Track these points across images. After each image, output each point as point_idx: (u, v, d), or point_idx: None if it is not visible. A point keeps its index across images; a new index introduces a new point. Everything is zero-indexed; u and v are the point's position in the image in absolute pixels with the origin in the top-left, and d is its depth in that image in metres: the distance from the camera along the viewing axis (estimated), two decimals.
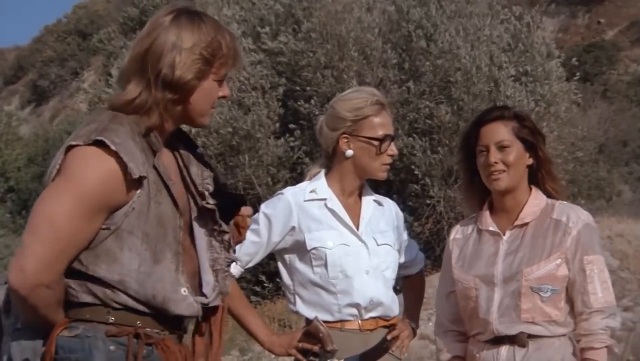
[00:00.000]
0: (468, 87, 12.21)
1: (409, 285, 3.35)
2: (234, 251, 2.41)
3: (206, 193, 2.34)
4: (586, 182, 16.68)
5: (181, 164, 2.35)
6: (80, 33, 44.75)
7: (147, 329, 2.22)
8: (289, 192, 3.11)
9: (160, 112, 2.21)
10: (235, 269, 2.96)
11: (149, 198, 2.19)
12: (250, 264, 3.08)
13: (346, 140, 3.04)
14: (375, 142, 3.02)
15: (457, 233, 3.13)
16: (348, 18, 12.72)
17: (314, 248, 3.01)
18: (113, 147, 2.11)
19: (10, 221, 22.53)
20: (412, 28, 12.77)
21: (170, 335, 2.27)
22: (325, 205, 3.06)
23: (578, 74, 14.56)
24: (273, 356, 8.63)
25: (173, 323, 2.28)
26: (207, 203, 2.32)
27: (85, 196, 2.11)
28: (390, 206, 3.25)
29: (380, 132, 3.02)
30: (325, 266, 3.00)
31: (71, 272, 2.17)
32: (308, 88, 12.63)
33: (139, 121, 2.20)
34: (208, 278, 2.34)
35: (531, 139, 2.95)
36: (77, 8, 47.71)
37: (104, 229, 2.16)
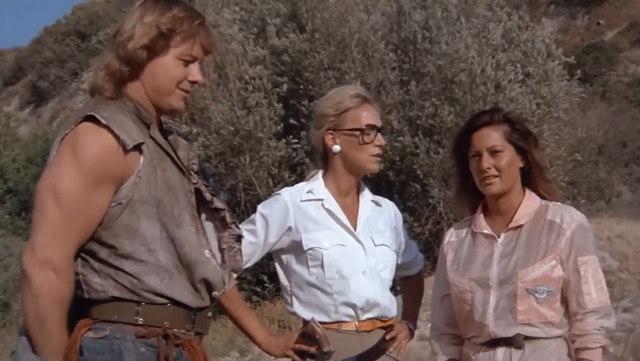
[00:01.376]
0: (471, 88, 12.21)
1: (407, 286, 3.35)
2: (237, 226, 2.42)
3: (192, 173, 2.35)
4: (586, 183, 16.69)
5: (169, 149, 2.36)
6: (79, 34, 44.73)
7: (175, 330, 2.22)
8: (286, 192, 3.11)
9: (116, 84, 2.24)
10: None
11: (154, 166, 2.20)
12: (248, 265, 3.08)
13: (331, 136, 3.07)
14: (357, 133, 3.03)
15: (451, 236, 3.14)
16: (351, 19, 12.72)
17: (311, 249, 3.01)
18: (103, 121, 2.14)
19: (10, 222, 22.51)
20: (417, 28, 12.76)
21: (195, 335, 2.28)
22: (322, 205, 3.06)
23: (578, 71, 14.53)
24: (272, 357, 8.62)
25: (197, 318, 2.28)
26: (194, 183, 2.33)
27: (86, 167, 2.12)
28: (388, 207, 3.25)
29: (363, 123, 3.03)
30: (322, 266, 3.00)
31: (96, 265, 2.17)
32: (310, 88, 12.63)
33: (123, 100, 2.25)
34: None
35: (522, 143, 2.96)
36: (76, 9, 47.69)
37: (115, 206, 2.16)
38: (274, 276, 10.47)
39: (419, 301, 3.35)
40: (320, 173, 3.15)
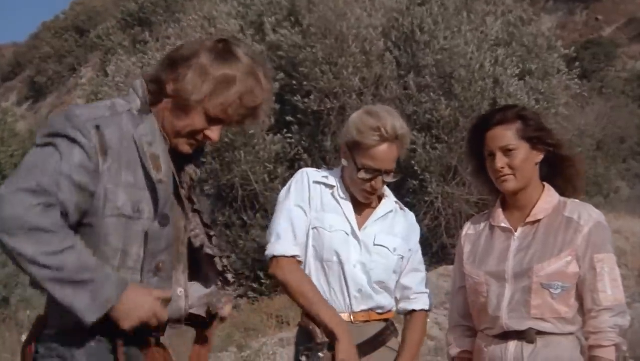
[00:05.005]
0: (469, 83, 12.19)
1: (406, 323, 3.24)
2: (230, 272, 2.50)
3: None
4: (584, 178, 16.64)
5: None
6: (77, 29, 44.70)
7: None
8: (308, 170, 3.18)
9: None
10: (302, 257, 3.04)
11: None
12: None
13: (343, 151, 3.10)
14: (355, 169, 3.04)
15: (469, 229, 3.16)
16: (348, 12, 12.70)
17: (315, 228, 3.06)
18: None
19: None
20: (416, 23, 12.73)
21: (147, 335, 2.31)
22: (332, 193, 3.11)
23: (577, 63, 14.52)
24: (271, 352, 8.63)
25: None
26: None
27: None
28: (412, 218, 3.26)
29: (367, 163, 3.01)
30: (322, 246, 3.04)
31: None
32: (305, 83, 12.61)
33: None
34: None
35: (536, 136, 2.95)
36: (74, 4, 47.64)
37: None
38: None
39: (416, 344, 3.17)
40: (341, 166, 3.18)
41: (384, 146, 3.01)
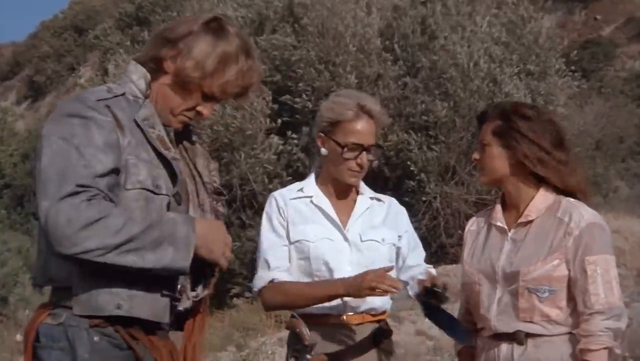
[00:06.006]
0: (465, 83, 12.18)
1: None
2: None
3: (215, 184, 2.45)
4: (580, 183, 16.61)
5: (187, 157, 2.43)
6: (76, 29, 44.66)
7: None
8: (277, 193, 3.19)
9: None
10: (285, 276, 3.05)
11: None
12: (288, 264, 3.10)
13: (321, 139, 3.10)
14: (339, 149, 3.04)
15: (472, 225, 3.17)
16: (346, 13, 12.68)
17: (297, 241, 3.06)
18: None
19: (6, 216, 22.49)
20: (417, 22, 12.72)
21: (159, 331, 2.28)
22: (311, 202, 3.12)
23: (573, 68, 14.49)
24: (270, 352, 8.62)
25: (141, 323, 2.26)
26: (218, 193, 2.44)
27: None
28: (389, 203, 3.26)
29: (350, 140, 3.03)
30: (309, 259, 3.04)
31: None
32: (300, 84, 12.60)
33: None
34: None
35: (507, 138, 2.93)
36: (73, 4, 47.61)
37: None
38: None
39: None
40: (313, 173, 3.20)
41: (363, 120, 3.04)
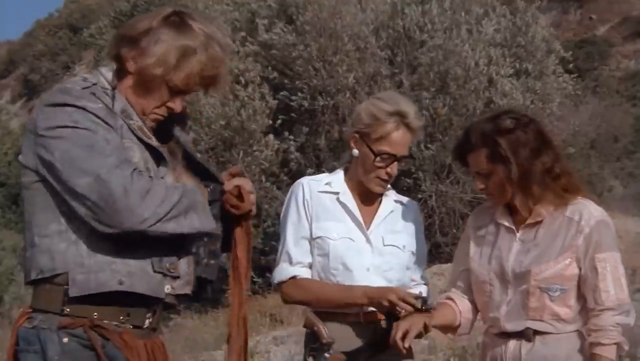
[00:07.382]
0: (464, 82, 12.18)
1: None
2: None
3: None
4: (577, 177, 16.65)
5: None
6: (71, 27, 44.63)
7: (105, 321, 2.21)
8: (305, 180, 3.17)
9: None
10: (307, 273, 3.05)
11: None
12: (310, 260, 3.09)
13: (354, 140, 3.08)
14: (371, 156, 3.02)
15: (475, 220, 3.14)
16: (343, 10, 12.67)
17: (319, 237, 3.05)
18: None
19: (1, 215, 22.47)
20: (414, 21, 12.71)
21: (134, 328, 2.27)
22: (338, 199, 3.09)
23: (571, 66, 14.51)
24: (265, 351, 8.61)
25: (140, 304, 2.26)
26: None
27: None
28: (412, 207, 3.26)
29: (384, 148, 3.01)
30: (327, 256, 3.03)
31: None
32: (297, 83, 12.59)
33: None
34: None
35: (505, 160, 2.88)
36: (68, 2, 47.59)
37: None
38: (263, 271, 10.47)
39: None
40: (342, 169, 3.18)
41: (401, 131, 3.02)
